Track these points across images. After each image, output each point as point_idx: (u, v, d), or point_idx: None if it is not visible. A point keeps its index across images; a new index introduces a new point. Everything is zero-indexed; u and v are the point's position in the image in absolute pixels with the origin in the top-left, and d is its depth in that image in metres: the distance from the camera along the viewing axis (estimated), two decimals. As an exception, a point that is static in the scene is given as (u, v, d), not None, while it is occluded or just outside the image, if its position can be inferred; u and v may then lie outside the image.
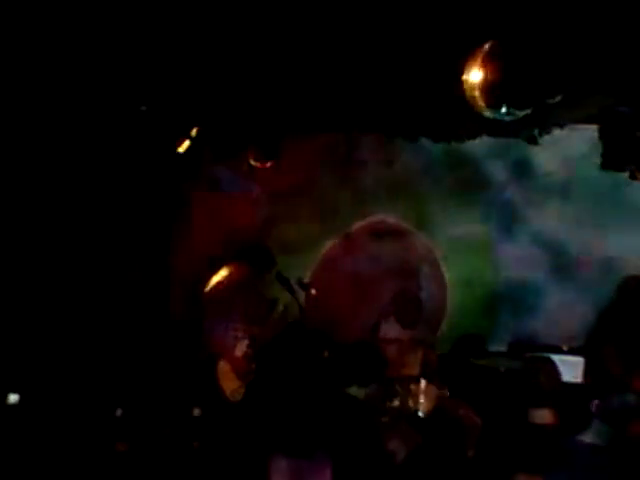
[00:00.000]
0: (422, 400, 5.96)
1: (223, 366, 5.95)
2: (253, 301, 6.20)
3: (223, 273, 6.17)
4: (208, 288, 6.14)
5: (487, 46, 4.45)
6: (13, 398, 5.60)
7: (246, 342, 5.94)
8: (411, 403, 5.98)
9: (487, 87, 4.42)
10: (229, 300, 6.08)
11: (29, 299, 5.96)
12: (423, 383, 6.02)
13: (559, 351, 6.66)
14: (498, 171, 7.38)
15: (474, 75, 4.44)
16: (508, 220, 7.40)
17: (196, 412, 5.99)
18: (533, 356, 6.34)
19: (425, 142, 6.40)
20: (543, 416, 4.20)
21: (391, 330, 6.64)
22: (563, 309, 7.28)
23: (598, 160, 6.27)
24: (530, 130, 5.93)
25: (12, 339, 5.76)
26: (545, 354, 6.24)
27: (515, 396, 5.02)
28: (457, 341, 7.14)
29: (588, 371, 6.36)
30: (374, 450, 5.42)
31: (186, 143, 6.10)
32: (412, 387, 6.02)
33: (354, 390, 6.15)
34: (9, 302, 5.86)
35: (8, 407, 5.59)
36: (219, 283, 6.14)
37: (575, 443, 3.80)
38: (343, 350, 6.67)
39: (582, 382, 6.35)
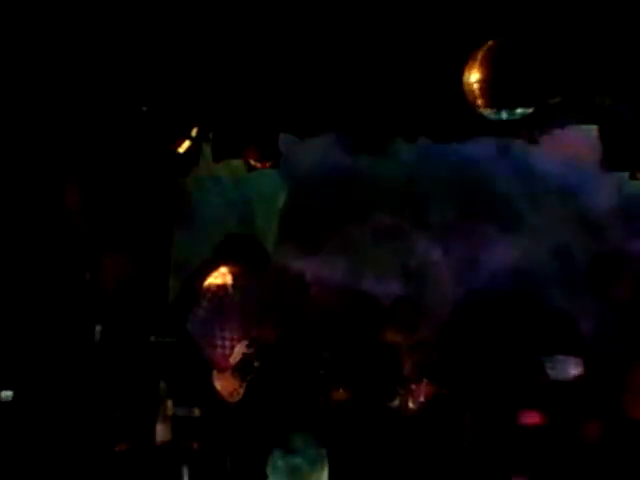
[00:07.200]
0: (422, 400, 5.97)
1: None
2: (251, 302, 6.19)
3: (218, 274, 6.15)
4: (204, 289, 6.12)
5: (487, 46, 4.45)
6: (5, 395, 5.59)
7: (245, 343, 5.95)
8: (411, 403, 5.99)
9: (487, 87, 4.43)
10: (225, 301, 6.07)
11: (25, 295, 5.95)
12: (423, 383, 6.03)
13: (560, 351, 6.65)
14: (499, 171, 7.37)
15: (474, 75, 4.45)
16: (508, 220, 7.39)
17: (196, 412, 6.00)
18: (525, 357, 6.34)
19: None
20: (533, 416, 4.21)
21: (390, 333, 6.63)
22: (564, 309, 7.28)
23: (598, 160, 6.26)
24: (530, 130, 5.91)
25: (7, 334, 5.75)
26: (544, 354, 6.23)
27: (506, 396, 5.04)
28: (456, 341, 7.14)
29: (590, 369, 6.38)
30: (373, 449, 5.43)
31: (186, 143, 6.09)
32: (412, 387, 6.03)
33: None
34: (3, 296, 5.85)
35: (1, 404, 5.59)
36: (215, 285, 6.12)
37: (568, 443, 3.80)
38: (359, 351, 6.67)
39: (581, 382, 6.38)
